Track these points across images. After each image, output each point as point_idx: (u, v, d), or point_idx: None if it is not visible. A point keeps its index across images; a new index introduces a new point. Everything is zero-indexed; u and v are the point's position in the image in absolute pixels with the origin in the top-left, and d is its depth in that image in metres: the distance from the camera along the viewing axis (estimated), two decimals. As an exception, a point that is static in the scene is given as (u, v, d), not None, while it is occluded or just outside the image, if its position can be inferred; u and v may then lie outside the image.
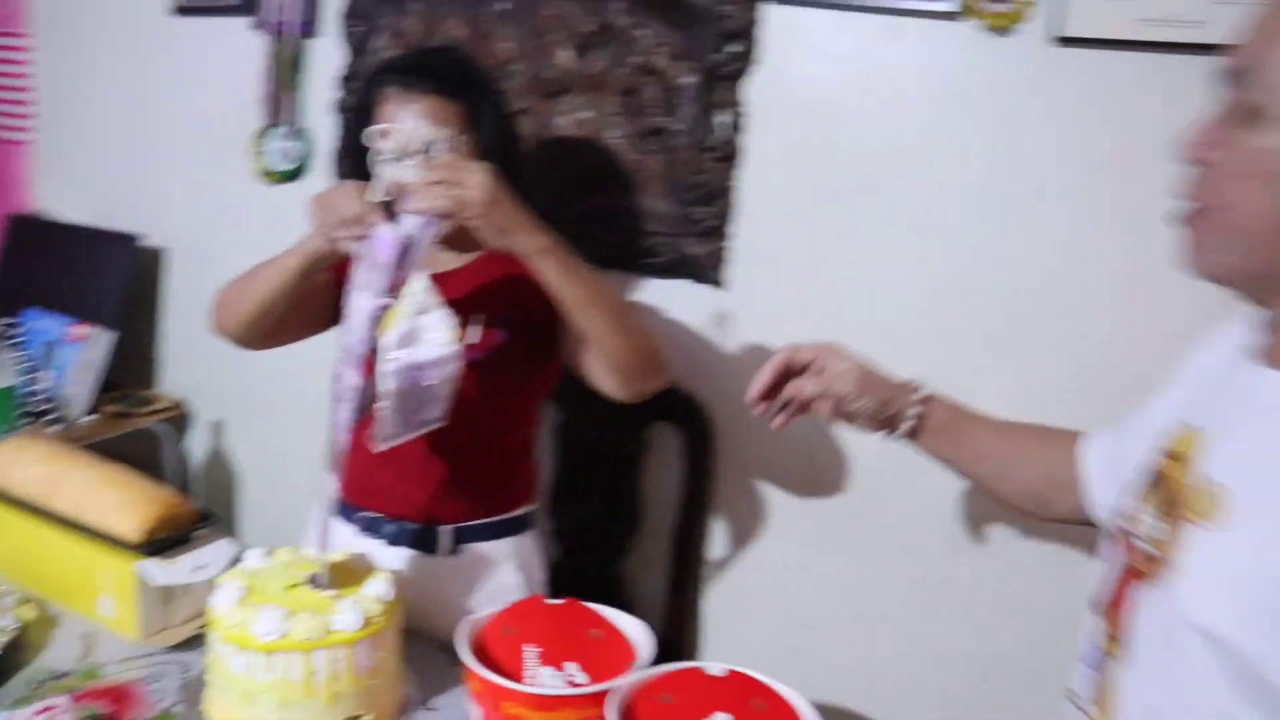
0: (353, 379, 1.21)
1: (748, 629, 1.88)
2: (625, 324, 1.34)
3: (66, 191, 2.62)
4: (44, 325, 2.27)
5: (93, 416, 2.24)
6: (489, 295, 1.43)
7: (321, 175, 2.17)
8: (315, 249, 1.34)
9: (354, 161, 1.45)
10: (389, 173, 1.27)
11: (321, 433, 2.21)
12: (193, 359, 2.45)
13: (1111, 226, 1.56)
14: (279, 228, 2.22)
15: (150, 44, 2.40)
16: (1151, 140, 1.31)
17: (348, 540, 1.48)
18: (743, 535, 1.87)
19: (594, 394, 1.51)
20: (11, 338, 1.74)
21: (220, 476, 2.44)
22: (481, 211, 1.21)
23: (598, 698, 1.06)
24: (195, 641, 1.35)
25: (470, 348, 1.39)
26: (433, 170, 1.22)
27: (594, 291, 1.30)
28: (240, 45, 2.22)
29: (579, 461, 1.85)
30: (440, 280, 1.47)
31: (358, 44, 2.08)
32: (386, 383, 1.20)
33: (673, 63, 1.77)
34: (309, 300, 1.47)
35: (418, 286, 1.21)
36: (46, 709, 1.12)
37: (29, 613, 1.36)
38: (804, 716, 1.04)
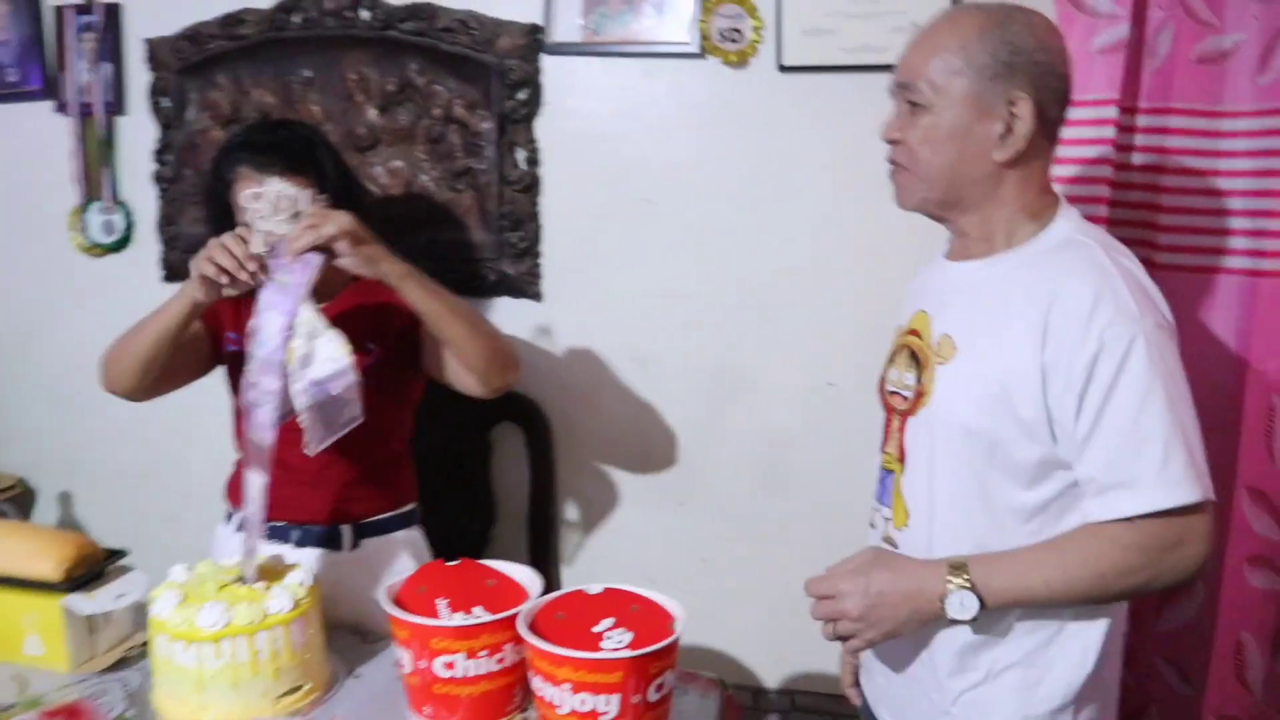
0: (272, 384, 1.41)
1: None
2: (480, 329, 1.58)
3: None
4: None
5: (-67, 503, 2.28)
6: (354, 324, 1.64)
7: (147, 244, 2.30)
8: (195, 297, 1.49)
9: (217, 225, 1.63)
10: (264, 228, 1.46)
11: (170, 486, 2.35)
12: (29, 436, 2.49)
13: (839, 209, 1.96)
14: (105, 301, 2.36)
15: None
16: (857, 140, 1.72)
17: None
18: (588, 511, 2.17)
19: (442, 405, 1.76)
20: None
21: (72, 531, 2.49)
22: (351, 245, 1.43)
23: (505, 623, 1.31)
24: (121, 664, 1.51)
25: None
26: (305, 218, 1.44)
27: (450, 304, 1.54)
28: (43, 127, 2.32)
29: (435, 467, 2.08)
30: None
31: (167, 119, 2.24)
32: (299, 401, 1.40)
33: (470, 112, 2.05)
34: (188, 348, 1.64)
35: (306, 315, 1.42)
36: (21, 724, 1.26)
37: (-42, 663, 1.47)
38: (671, 610, 1.33)
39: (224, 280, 1.45)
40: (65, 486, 2.50)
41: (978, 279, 1.27)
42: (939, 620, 1.21)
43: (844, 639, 1.26)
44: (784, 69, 1.93)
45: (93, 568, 1.55)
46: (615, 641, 1.25)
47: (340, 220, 1.43)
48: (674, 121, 2.02)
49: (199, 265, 1.46)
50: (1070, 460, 1.18)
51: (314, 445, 1.46)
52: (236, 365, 1.63)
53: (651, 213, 2.04)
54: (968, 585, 1.18)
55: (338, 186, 1.64)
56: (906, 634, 1.24)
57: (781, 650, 2.14)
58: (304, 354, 1.41)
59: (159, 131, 2.25)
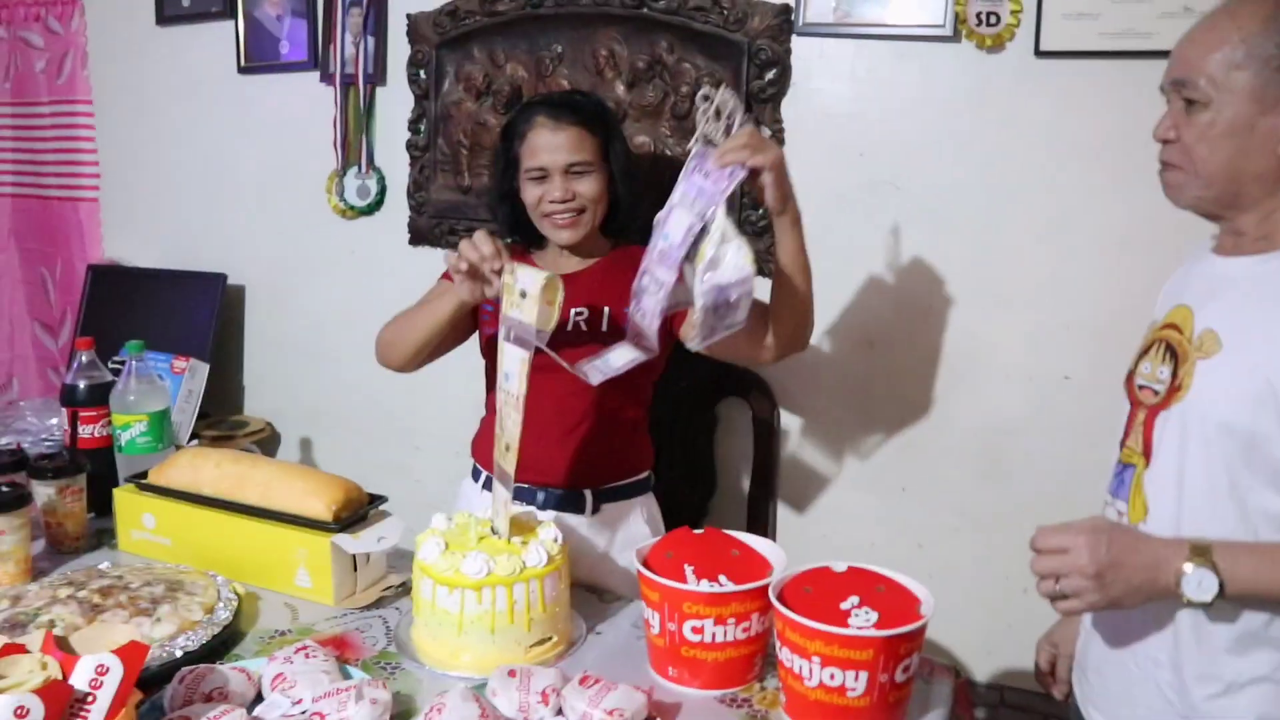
0: (665, 276, 1.46)
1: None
2: (809, 289, 1.61)
3: (136, 240, 2.86)
4: (149, 361, 2.49)
5: (194, 441, 2.47)
6: (615, 290, 1.70)
7: (397, 209, 2.43)
8: (462, 297, 1.58)
9: (502, 179, 1.75)
10: (704, 129, 1.48)
11: (399, 438, 2.47)
12: (276, 385, 2.69)
13: (1089, 201, 1.89)
14: (355, 261, 2.51)
15: (217, 101, 2.66)
16: (1112, 129, 1.65)
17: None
18: (807, 489, 2.18)
19: (672, 377, 1.79)
20: (138, 370, 1.96)
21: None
22: (775, 178, 1.46)
23: (754, 593, 1.34)
24: (378, 604, 1.61)
25: (603, 333, 1.67)
26: (743, 135, 1.46)
27: (808, 263, 1.58)
28: (308, 95, 2.48)
29: (662, 436, 2.12)
30: (570, 280, 1.75)
31: (423, 90, 2.35)
32: (700, 300, 1.43)
33: (717, 90, 2.06)
34: (456, 330, 1.74)
35: (720, 222, 1.43)
36: (301, 649, 1.36)
37: (239, 588, 1.60)
38: (917, 593, 1.33)
39: (466, 275, 1.52)
40: (306, 433, 2.68)
41: (1254, 274, 1.23)
42: (1168, 605, 1.18)
43: (1062, 599, 1.21)
44: (1041, 54, 1.87)
45: (357, 511, 1.66)
46: (862, 619, 1.25)
47: (776, 152, 1.45)
48: (922, 105, 1.99)
49: (450, 260, 1.54)
50: None
51: (698, 340, 1.49)
52: (491, 339, 1.70)
53: (894, 195, 2.01)
54: (1210, 566, 1.14)
55: (620, 157, 1.72)
56: (1130, 606, 1.20)
57: (994, 643, 2.10)
58: (712, 256, 1.42)
59: (415, 102, 2.37)
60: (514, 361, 1.46)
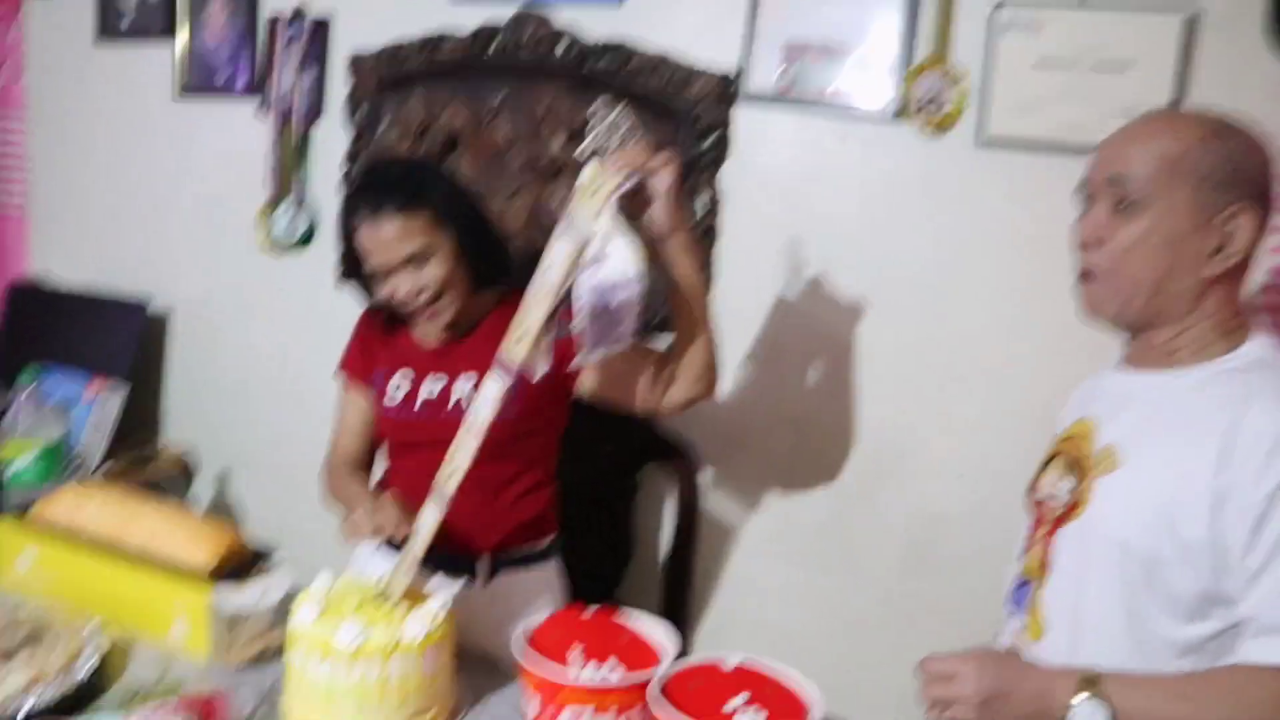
0: (542, 308, 1.37)
1: (732, 645, 2.11)
2: (710, 326, 1.54)
3: (65, 257, 2.78)
4: (59, 383, 2.42)
5: (106, 465, 2.39)
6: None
7: (327, 245, 2.38)
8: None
9: (348, 266, 1.70)
10: (593, 143, 1.41)
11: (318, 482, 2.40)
12: (195, 414, 2.62)
13: (1030, 296, 1.86)
14: (285, 296, 2.45)
15: (154, 123, 2.60)
16: (1057, 224, 1.63)
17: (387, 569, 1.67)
18: (728, 563, 2.12)
19: (592, 441, 1.74)
20: (36, 397, 1.90)
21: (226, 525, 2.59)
22: (671, 190, 1.39)
23: (638, 687, 1.28)
24: (257, 661, 1.54)
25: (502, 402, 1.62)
26: (641, 146, 1.44)
27: (702, 289, 1.52)
28: (245, 124, 2.43)
29: (577, 502, 2.07)
30: (452, 349, 1.70)
31: (360, 127, 2.31)
32: (581, 300, 1.34)
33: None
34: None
35: (608, 220, 1.34)
36: (161, 706, 1.29)
37: (109, 638, 1.53)
38: (807, 693, 1.28)
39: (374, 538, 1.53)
40: (225, 465, 2.60)
41: (1156, 390, 1.21)
42: None
43: None
44: (984, 143, 1.86)
45: (242, 563, 1.59)
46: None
47: (669, 161, 1.40)
48: (864, 183, 1.96)
49: (346, 530, 1.55)
50: (1234, 595, 1.10)
51: (586, 355, 1.40)
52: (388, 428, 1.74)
53: (830, 273, 1.98)
54: (1098, 699, 1.09)
55: (457, 214, 1.64)
56: None
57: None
58: (595, 254, 1.33)
59: (350, 139, 2.32)
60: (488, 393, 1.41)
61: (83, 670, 1.41)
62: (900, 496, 1.98)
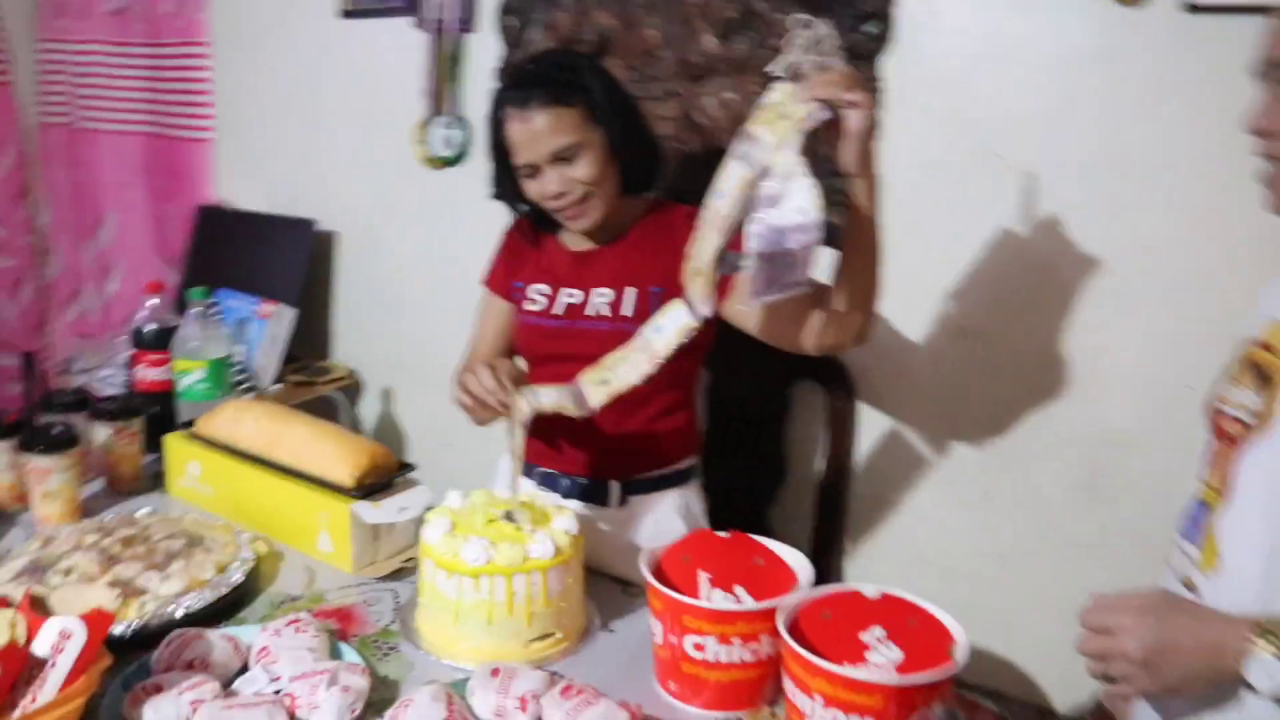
0: (713, 240, 1.31)
1: (887, 576, 2.00)
2: (879, 272, 1.42)
3: (245, 183, 2.88)
4: (235, 304, 2.52)
5: (278, 385, 2.48)
6: (643, 265, 1.57)
7: (481, 159, 2.35)
8: (479, 423, 1.56)
9: (498, 163, 1.63)
10: (790, 58, 1.29)
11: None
12: (362, 332, 2.68)
13: (1235, 186, 1.61)
14: (441, 211, 2.46)
15: (320, 45, 2.63)
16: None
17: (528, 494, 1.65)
18: (883, 488, 1.99)
19: (743, 355, 1.64)
20: (212, 315, 1.96)
21: (391, 439, 2.66)
22: (863, 123, 1.26)
23: (765, 614, 1.20)
24: (398, 574, 1.55)
25: (628, 317, 1.54)
26: (837, 72, 1.27)
27: (880, 237, 1.39)
28: (403, 42, 2.42)
29: (728, 420, 1.99)
30: (593, 258, 1.64)
31: (512, 38, 2.25)
32: (752, 241, 1.25)
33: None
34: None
35: (790, 157, 1.25)
36: (293, 622, 1.31)
37: (261, 548, 1.57)
38: (952, 631, 1.16)
39: (474, 409, 1.49)
40: (389, 382, 2.66)
41: None
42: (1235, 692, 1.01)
43: (1111, 680, 1.07)
44: (1192, 8, 1.61)
45: (382, 478, 1.60)
46: (882, 656, 1.11)
47: (870, 99, 1.27)
48: (1045, 68, 1.74)
49: (455, 393, 1.50)
50: None
51: (754, 297, 1.29)
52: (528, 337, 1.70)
53: (1004, 171, 1.78)
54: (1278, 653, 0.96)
55: (609, 112, 1.55)
56: (1191, 692, 1.04)
57: (1077, 672, 1.87)
58: (772, 194, 1.25)
59: (502, 49, 2.27)
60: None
61: (232, 578, 1.45)
62: (1076, 413, 1.80)
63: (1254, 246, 1.62)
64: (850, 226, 1.36)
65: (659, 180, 1.67)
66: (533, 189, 1.58)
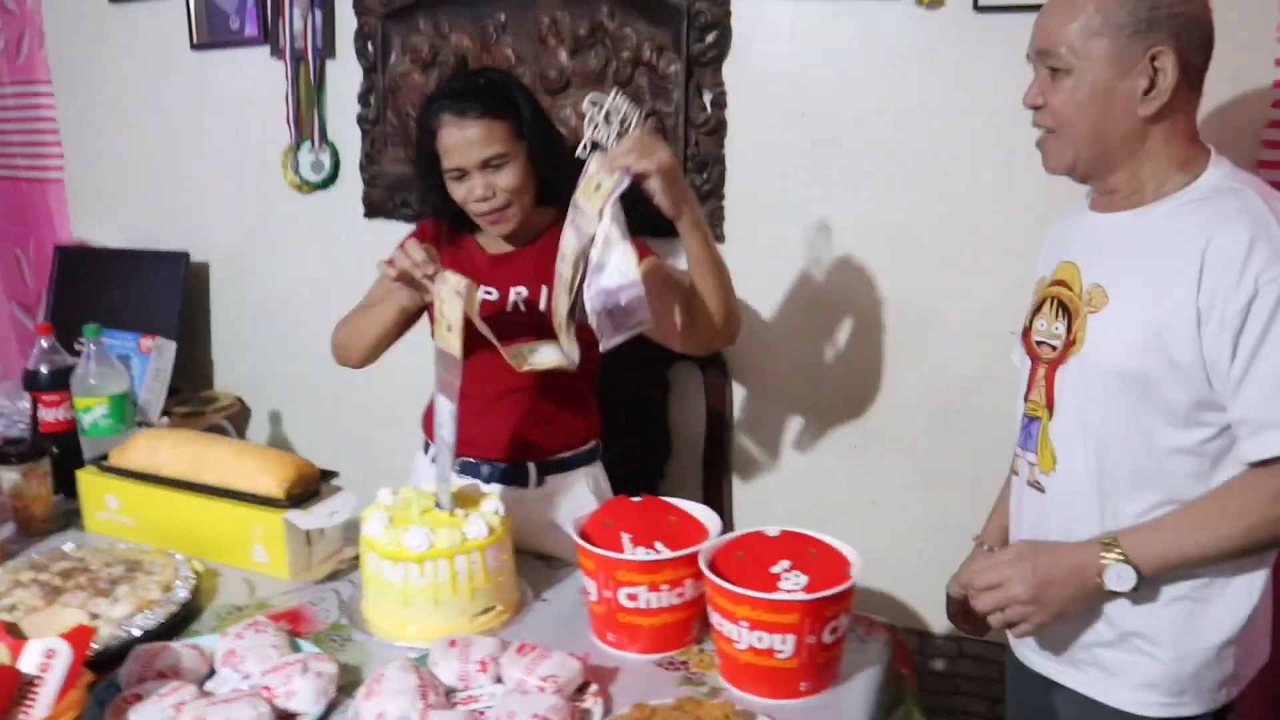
0: (564, 301, 1.50)
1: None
2: (730, 288, 1.61)
3: (102, 220, 2.86)
4: (114, 341, 2.52)
5: (165, 419, 2.51)
6: (551, 266, 1.72)
7: (351, 182, 2.44)
8: (401, 301, 1.65)
9: (424, 171, 1.75)
10: (591, 136, 1.47)
11: (366, 409, 2.51)
12: (244, 359, 2.72)
13: (1032, 157, 1.88)
14: (314, 234, 2.53)
15: (172, 78, 2.65)
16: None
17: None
18: (761, 452, 2.21)
19: (624, 346, 1.81)
20: (99, 353, 1.99)
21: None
22: (665, 183, 1.43)
23: (688, 559, 1.37)
24: (333, 576, 1.65)
25: (542, 312, 1.69)
26: (632, 140, 1.44)
27: (718, 259, 1.58)
28: (261, 71, 2.48)
29: (614, 403, 2.15)
30: (511, 259, 1.78)
31: (371, 63, 2.35)
32: (590, 303, 1.44)
33: (659, 55, 2.07)
34: (404, 325, 1.79)
35: (607, 224, 1.42)
36: (252, 624, 1.40)
37: (197, 565, 1.64)
38: (847, 555, 1.36)
39: (399, 281, 1.59)
40: (276, 406, 2.71)
41: (1129, 228, 1.30)
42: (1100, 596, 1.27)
43: (1012, 625, 1.31)
44: (980, 8, 1.87)
45: (309, 486, 1.69)
46: (792, 583, 1.29)
47: (664, 156, 1.44)
48: (862, 64, 1.99)
49: (383, 269, 1.60)
50: (1225, 403, 1.22)
51: (605, 342, 1.48)
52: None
53: (837, 156, 2.02)
54: (1122, 558, 1.23)
55: (534, 129, 1.71)
56: (1075, 613, 1.30)
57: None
58: (596, 262, 1.42)
59: (363, 75, 2.37)
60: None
61: (179, 595, 1.53)
62: (922, 365, 2.06)
63: (1043, 202, 1.90)
64: (689, 253, 1.56)
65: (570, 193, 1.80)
66: (459, 191, 1.71)
